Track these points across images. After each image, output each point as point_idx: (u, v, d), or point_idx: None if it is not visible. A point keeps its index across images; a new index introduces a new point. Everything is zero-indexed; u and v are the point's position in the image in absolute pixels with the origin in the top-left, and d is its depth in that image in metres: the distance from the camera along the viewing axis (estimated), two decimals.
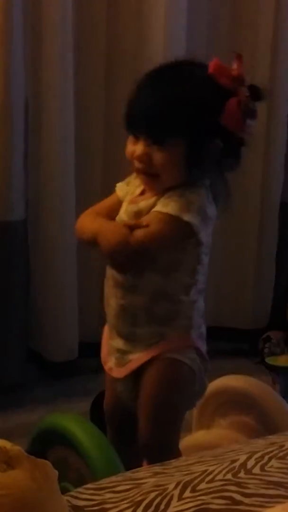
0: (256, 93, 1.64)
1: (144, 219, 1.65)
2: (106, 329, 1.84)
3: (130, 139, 1.68)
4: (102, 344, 1.86)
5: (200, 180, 1.67)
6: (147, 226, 1.62)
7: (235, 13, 3.00)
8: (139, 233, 1.62)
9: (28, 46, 2.63)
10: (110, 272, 1.75)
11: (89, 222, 1.73)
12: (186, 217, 1.61)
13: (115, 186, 1.83)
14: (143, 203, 1.69)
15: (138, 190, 1.74)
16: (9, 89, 2.56)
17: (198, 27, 2.89)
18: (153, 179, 1.67)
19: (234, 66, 1.65)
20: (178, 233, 1.64)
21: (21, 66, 2.59)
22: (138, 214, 1.69)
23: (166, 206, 1.63)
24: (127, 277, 1.70)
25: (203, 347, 1.78)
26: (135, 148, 1.66)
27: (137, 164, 1.67)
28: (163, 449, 1.73)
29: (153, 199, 1.68)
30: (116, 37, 2.81)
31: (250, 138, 1.70)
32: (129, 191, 1.77)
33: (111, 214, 1.76)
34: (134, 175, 1.76)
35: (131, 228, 1.63)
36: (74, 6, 2.66)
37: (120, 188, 1.79)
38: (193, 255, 1.69)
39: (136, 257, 1.63)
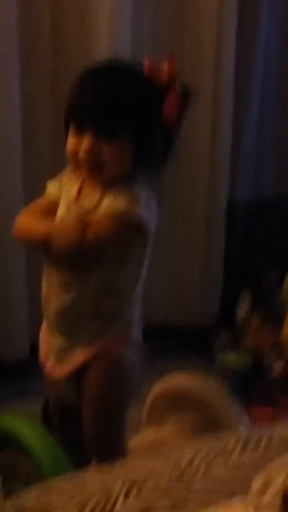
0: (186, 90, 1.70)
1: (95, 217, 1.66)
2: (44, 328, 1.84)
3: (71, 133, 1.68)
4: (40, 345, 1.86)
5: (141, 174, 1.69)
6: (99, 223, 1.64)
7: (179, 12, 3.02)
8: (92, 230, 1.63)
9: None
10: (51, 270, 1.75)
11: (32, 223, 1.73)
12: (137, 211, 1.63)
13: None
14: (88, 200, 1.70)
15: (75, 189, 1.74)
16: None
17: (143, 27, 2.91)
18: (97, 171, 1.68)
19: (166, 65, 1.70)
20: (130, 227, 1.66)
21: None
22: (86, 212, 1.69)
23: (114, 201, 1.65)
24: (73, 274, 1.70)
25: (140, 337, 1.80)
26: (78, 142, 1.66)
27: (82, 156, 1.66)
28: (110, 446, 1.75)
29: (97, 195, 1.69)
30: (61, 43, 2.81)
31: (180, 135, 1.74)
32: (63, 190, 1.77)
33: (48, 213, 1.76)
34: (64, 175, 1.78)
35: (83, 226, 1.64)
36: (17, 13, 2.64)
37: (53, 187, 1.80)
38: (140, 248, 1.72)
39: (89, 254, 1.64)
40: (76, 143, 1.67)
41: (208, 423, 2.02)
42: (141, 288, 1.77)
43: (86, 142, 1.65)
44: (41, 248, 1.69)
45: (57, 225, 1.71)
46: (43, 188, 1.83)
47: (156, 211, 1.69)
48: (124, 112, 1.64)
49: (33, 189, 2.66)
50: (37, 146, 2.84)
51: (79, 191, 1.73)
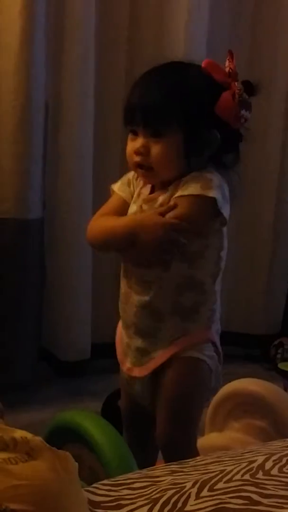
0: (249, 88, 1.69)
1: (169, 205, 1.65)
2: (120, 330, 1.83)
3: (130, 137, 1.69)
4: (117, 345, 1.85)
5: (202, 168, 1.68)
6: (176, 206, 1.63)
7: (256, 16, 3.01)
8: (170, 216, 1.63)
9: (49, 49, 2.65)
10: (130, 270, 1.74)
11: (111, 222, 1.73)
12: (210, 193, 1.62)
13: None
14: (162, 198, 1.69)
15: (147, 190, 1.75)
16: (30, 90, 2.58)
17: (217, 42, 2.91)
18: (150, 172, 1.68)
19: (227, 62, 1.69)
20: (206, 210, 1.65)
21: (42, 68, 2.61)
22: (160, 206, 1.69)
23: (186, 189, 1.64)
24: (153, 271, 1.69)
25: (219, 342, 1.78)
26: (134, 144, 1.67)
27: (135, 159, 1.67)
28: (184, 447, 1.73)
29: (169, 191, 1.68)
30: (137, 41, 2.83)
31: (248, 133, 1.73)
32: (133, 191, 1.77)
33: (119, 215, 1.75)
34: (131, 174, 1.78)
35: (162, 214, 1.64)
36: (96, 10, 2.67)
37: (121, 190, 1.79)
38: (218, 238, 1.71)
39: (174, 241, 1.63)
40: (132, 146, 1.68)
41: (273, 429, 2.01)
42: (220, 284, 1.75)
43: (137, 143, 1.67)
44: (124, 246, 1.68)
45: (138, 216, 1.71)
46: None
47: (229, 198, 1.68)
48: (170, 110, 1.64)
49: (101, 193, 2.73)
50: (109, 148, 2.86)
51: (151, 192, 1.73)
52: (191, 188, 1.64)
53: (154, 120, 1.64)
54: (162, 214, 1.64)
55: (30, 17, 2.51)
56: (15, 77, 2.54)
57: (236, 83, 1.67)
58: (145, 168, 1.68)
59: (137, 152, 1.67)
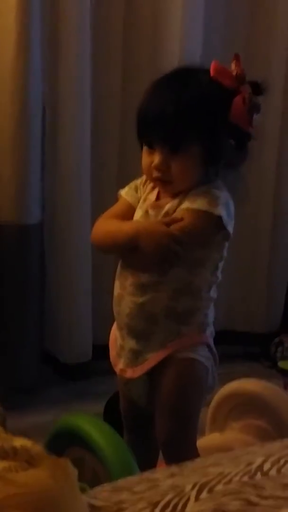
0: (257, 88, 1.70)
1: (175, 216, 1.68)
2: (114, 331, 1.85)
3: (145, 150, 1.71)
4: (110, 346, 1.87)
5: (217, 177, 1.71)
6: (181, 220, 1.65)
7: (252, 25, 3.02)
8: (175, 227, 1.65)
9: (45, 54, 2.66)
10: (125, 272, 1.76)
11: (115, 225, 1.75)
12: (216, 211, 1.65)
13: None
14: (168, 205, 1.71)
15: (153, 196, 1.77)
16: (27, 96, 2.59)
17: (213, 40, 2.92)
18: (169, 185, 1.71)
19: (233, 66, 1.70)
20: (210, 226, 1.67)
21: (39, 74, 2.62)
22: (166, 215, 1.71)
23: (193, 202, 1.66)
24: (151, 275, 1.71)
25: (213, 345, 1.81)
26: (151, 158, 1.69)
27: (155, 174, 1.70)
28: (184, 446, 1.76)
29: (176, 200, 1.71)
30: (133, 46, 2.84)
31: (256, 132, 1.75)
32: (139, 197, 1.79)
33: (124, 219, 1.77)
34: (139, 180, 1.80)
35: (167, 224, 1.66)
36: (91, 15, 2.68)
37: (129, 194, 1.81)
38: (219, 250, 1.73)
39: (175, 250, 1.65)
40: (149, 160, 1.70)
41: (273, 429, 2.02)
42: (215, 292, 1.78)
43: (156, 159, 1.68)
44: (126, 249, 1.71)
45: (142, 223, 1.73)
46: (109, 198, 1.85)
47: (234, 214, 1.71)
48: (188, 125, 1.65)
49: (100, 197, 2.76)
50: (106, 153, 2.88)
51: (157, 198, 1.75)
52: (199, 203, 1.66)
53: (173, 138, 1.65)
54: (167, 224, 1.66)
55: (25, 24, 2.52)
56: (12, 84, 2.55)
57: (245, 86, 1.69)
58: (164, 182, 1.70)
59: (157, 168, 1.69)
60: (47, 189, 2.76)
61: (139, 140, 1.72)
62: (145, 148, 1.71)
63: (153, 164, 1.69)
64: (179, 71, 1.74)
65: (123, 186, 1.86)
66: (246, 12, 3.02)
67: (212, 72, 1.69)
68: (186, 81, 1.70)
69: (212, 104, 1.67)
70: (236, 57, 1.70)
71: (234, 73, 1.69)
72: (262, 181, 3.10)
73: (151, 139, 1.69)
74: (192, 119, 1.65)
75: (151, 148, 1.69)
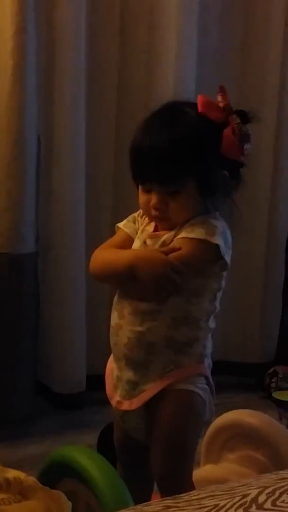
0: (245, 117, 1.71)
1: (173, 245, 1.68)
2: (111, 363, 1.84)
3: (141, 189, 1.73)
4: (107, 379, 1.85)
5: (213, 207, 1.72)
6: (179, 249, 1.66)
7: (245, 51, 3.05)
8: (173, 256, 1.65)
9: (40, 85, 2.69)
10: (123, 301, 1.76)
11: (114, 254, 1.75)
12: (214, 240, 1.66)
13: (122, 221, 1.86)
14: (166, 235, 1.72)
15: (151, 227, 1.78)
16: (22, 126, 2.61)
17: (206, 64, 2.95)
18: (169, 222, 1.72)
19: (219, 98, 1.72)
20: (208, 255, 1.68)
21: (34, 105, 2.64)
22: (163, 245, 1.72)
23: (191, 232, 1.67)
24: (149, 304, 1.71)
25: (211, 377, 1.80)
26: (148, 197, 1.71)
27: (153, 213, 1.71)
28: (179, 480, 1.74)
29: (174, 231, 1.71)
30: (128, 74, 2.87)
31: (247, 160, 1.75)
32: (137, 228, 1.80)
33: (123, 249, 1.78)
34: (137, 213, 1.82)
35: (165, 253, 1.67)
36: (86, 47, 2.71)
37: (127, 226, 1.82)
38: (217, 280, 1.74)
39: (173, 279, 1.65)
40: (146, 198, 1.72)
41: (269, 460, 2.01)
42: (214, 322, 1.77)
43: (154, 199, 1.70)
44: (124, 278, 1.71)
45: (141, 250, 1.74)
46: (104, 228, 1.84)
47: (231, 244, 1.71)
48: (182, 165, 1.67)
49: (95, 226, 2.76)
50: (100, 183, 2.90)
51: (155, 229, 1.76)
52: (196, 232, 1.67)
53: (169, 180, 1.67)
54: (165, 253, 1.67)
55: (21, 56, 2.55)
56: (7, 115, 2.57)
57: (233, 117, 1.70)
58: (163, 217, 1.71)
59: (155, 208, 1.70)
60: (41, 219, 2.77)
61: (134, 180, 1.74)
62: (141, 187, 1.73)
63: (151, 204, 1.70)
64: (167, 108, 1.75)
65: (118, 216, 1.86)
66: (239, 36, 3.05)
67: (199, 108, 1.70)
68: (178, 118, 1.71)
69: (203, 140, 1.69)
70: (222, 89, 1.72)
71: (221, 105, 1.71)
72: (256, 212, 3.11)
73: (147, 182, 1.70)
74: (185, 158, 1.67)
75: (147, 188, 1.71)
